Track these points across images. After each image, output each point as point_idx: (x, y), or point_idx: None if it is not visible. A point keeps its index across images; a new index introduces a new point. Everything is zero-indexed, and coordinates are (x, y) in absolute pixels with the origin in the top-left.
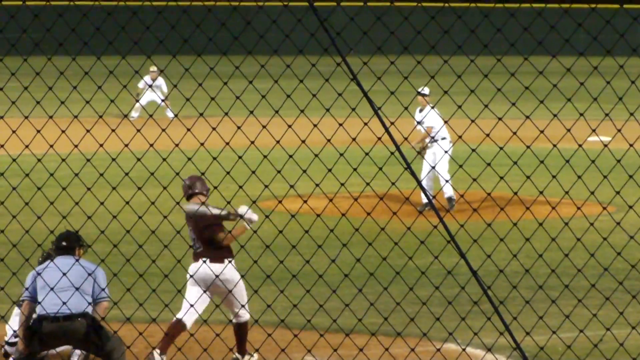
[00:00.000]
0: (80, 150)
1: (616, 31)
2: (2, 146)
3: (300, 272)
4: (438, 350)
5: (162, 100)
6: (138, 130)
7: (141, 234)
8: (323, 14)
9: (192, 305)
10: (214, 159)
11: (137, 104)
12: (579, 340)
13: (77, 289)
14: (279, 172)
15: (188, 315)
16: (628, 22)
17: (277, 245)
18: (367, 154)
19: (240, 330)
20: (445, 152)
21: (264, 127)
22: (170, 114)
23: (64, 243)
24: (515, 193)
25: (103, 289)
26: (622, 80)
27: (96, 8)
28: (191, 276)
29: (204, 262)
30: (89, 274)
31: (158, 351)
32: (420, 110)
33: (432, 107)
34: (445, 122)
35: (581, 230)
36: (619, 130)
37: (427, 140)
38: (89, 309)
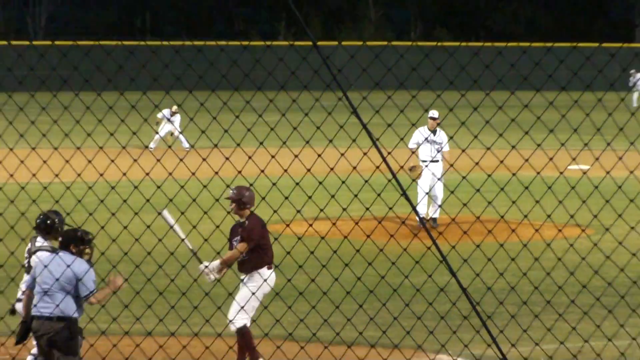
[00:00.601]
0: (106, 178)
1: (595, 67)
2: (34, 175)
3: (306, 290)
4: None
5: (180, 132)
6: (158, 160)
7: (160, 255)
8: (325, 52)
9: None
10: (227, 186)
11: (157, 136)
12: (560, 352)
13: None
14: (286, 198)
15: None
16: (606, 59)
17: (285, 265)
18: (366, 181)
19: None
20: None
21: (272, 157)
22: (186, 145)
23: (61, 238)
24: (502, 217)
25: (91, 290)
26: (600, 113)
27: (119, 47)
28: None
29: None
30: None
31: None
32: (434, 133)
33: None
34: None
35: (562, 250)
36: (597, 159)
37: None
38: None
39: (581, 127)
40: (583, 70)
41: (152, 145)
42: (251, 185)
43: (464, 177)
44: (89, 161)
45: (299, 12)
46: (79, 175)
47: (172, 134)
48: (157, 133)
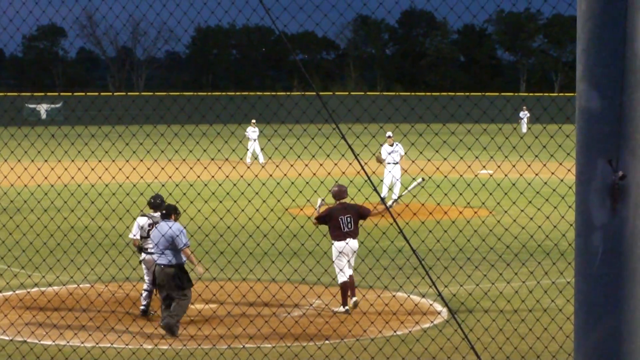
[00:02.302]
0: (216, 180)
1: (496, 107)
2: (170, 177)
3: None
4: (393, 296)
5: (261, 149)
6: (257, 175)
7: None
8: (324, 99)
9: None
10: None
11: (249, 152)
12: (476, 291)
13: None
14: (300, 192)
15: (342, 276)
16: (503, 103)
17: (301, 235)
18: (351, 181)
19: (351, 279)
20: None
21: (306, 165)
22: (261, 160)
23: (164, 212)
24: (438, 204)
25: (185, 242)
26: (500, 137)
27: (194, 97)
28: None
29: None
30: (178, 234)
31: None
32: (391, 145)
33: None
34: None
35: (476, 225)
36: (499, 167)
37: (393, 162)
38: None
39: (488, 145)
40: (490, 109)
41: (248, 160)
42: (307, 183)
43: (413, 179)
44: (205, 167)
45: (307, 75)
46: (199, 177)
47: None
48: (247, 150)
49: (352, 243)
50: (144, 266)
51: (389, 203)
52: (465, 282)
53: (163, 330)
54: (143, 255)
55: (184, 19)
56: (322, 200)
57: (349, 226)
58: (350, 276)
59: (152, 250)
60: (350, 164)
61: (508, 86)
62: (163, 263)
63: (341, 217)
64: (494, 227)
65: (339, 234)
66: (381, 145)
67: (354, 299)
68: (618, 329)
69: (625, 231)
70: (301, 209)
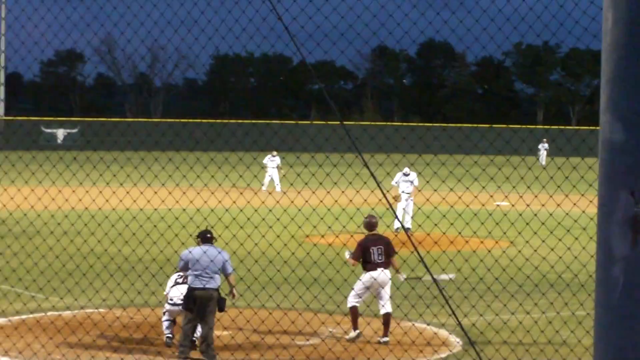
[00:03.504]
0: (224, 206)
1: (520, 138)
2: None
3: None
4: (413, 325)
5: (284, 176)
6: (278, 202)
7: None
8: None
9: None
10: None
11: (265, 180)
12: (496, 321)
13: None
14: (322, 218)
15: (353, 300)
16: (522, 136)
17: (320, 261)
18: (372, 208)
19: (386, 317)
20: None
21: (328, 192)
22: (278, 189)
23: (208, 235)
24: (460, 233)
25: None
26: (522, 168)
27: (212, 124)
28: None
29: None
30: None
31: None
32: (406, 175)
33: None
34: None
35: (497, 256)
36: (521, 197)
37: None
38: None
39: (511, 177)
40: (512, 141)
41: (263, 188)
42: (329, 210)
43: (435, 207)
44: (212, 193)
45: (331, 103)
46: (205, 202)
47: (271, 177)
48: (264, 179)
49: (383, 275)
50: (168, 316)
51: (407, 224)
52: (485, 312)
53: (183, 355)
54: (167, 306)
55: (202, 47)
56: (350, 253)
57: (380, 258)
58: (387, 313)
59: (198, 273)
60: (372, 191)
61: (525, 119)
62: (211, 287)
63: (372, 248)
64: (514, 257)
65: (370, 265)
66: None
67: (357, 331)
68: None
69: None
70: (322, 236)
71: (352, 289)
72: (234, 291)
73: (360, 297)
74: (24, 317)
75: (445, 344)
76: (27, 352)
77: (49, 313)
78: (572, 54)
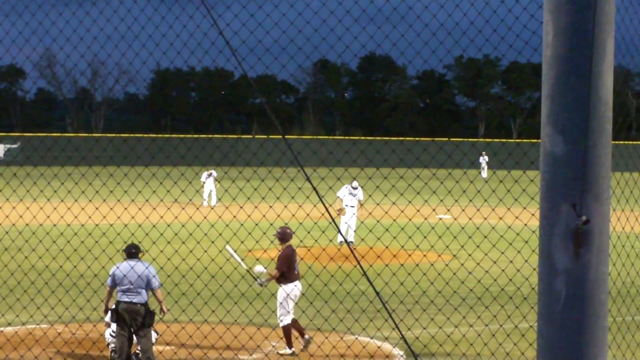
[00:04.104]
0: (165, 221)
1: (462, 151)
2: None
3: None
4: (356, 339)
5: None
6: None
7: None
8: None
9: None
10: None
11: (205, 195)
12: (439, 334)
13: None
14: (263, 233)
15: (287, 319)
16: (464, 149)
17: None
18: (315, 223)
19: (296, 323)
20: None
21: (270, 206)
22: (213, 202)
23: (133, 250)
24: (402, 247)
25: (160, 283)
26: (464, 182)
27: (153, 139)
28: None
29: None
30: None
31: (287, 348)
32: (354, 188)
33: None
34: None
35: (440, 269)
36: (463, 210)
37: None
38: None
39: (453, 190)
40: (454, 154)
41: (204, 203)
42: (256, 224)
43: (378, 221)
44: (168, 208)
45: (272, 117)
46: (161, 217)
47: (210, 191)
48: (203, 198)
49: (299, 285)
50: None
51: (350, 238)
52: (428, 325)
53: None
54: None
55: (143, 62)
56: (262, 268)
57: (298, 268)
58: (294, 319)
59: (125, 288)
60: (314, 205)
61: (466, 132)
62: (137, 301)
63: (294, 258)
64: (457, 270)
65: (292, 276)
66: (344, 186)
67: (307, 336)
68: None
69: (589, 276)
70: (265, 251)
71: (281, 305)
72: (163, 306)
73: (290, 312)
74: None
75: (388, 358)
76: None
77: None
78: (512, 68)
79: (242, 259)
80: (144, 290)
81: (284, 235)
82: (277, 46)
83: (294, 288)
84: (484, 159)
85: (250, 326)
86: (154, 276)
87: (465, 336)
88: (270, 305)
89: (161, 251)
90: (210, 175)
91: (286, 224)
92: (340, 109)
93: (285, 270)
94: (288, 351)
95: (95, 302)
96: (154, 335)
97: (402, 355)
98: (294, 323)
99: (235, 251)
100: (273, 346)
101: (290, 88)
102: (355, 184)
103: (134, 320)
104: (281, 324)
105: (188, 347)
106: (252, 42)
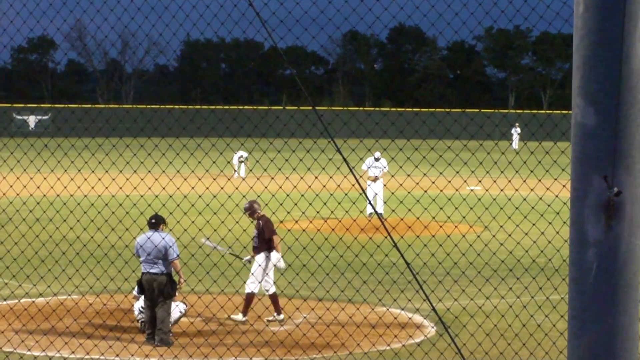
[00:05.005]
0: (196, 192)
1: (493, 123)
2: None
3: (308, 263)
4: (387, 310)
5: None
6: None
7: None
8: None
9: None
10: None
11: (236, 166)
12: (470, 305)
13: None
14: (295, 204)
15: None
16: (494, 120)
17: (295, 248)
18: (346, 194)
19: (274, 297)
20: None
21: (301, 177)
22: (243, 173)
23: (152, 221)
24: (433, 218)
25: (177, 254)
26: (496, 153)
27: (185, 110)
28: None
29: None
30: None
31: (240, 314)
32: (376, 159)
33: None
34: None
35: (471, 241)
36: (495, 181)
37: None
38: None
39: (484, 161)
40: (485, 126)
41: (235, 175)
42: (288, 195)
43: (409, 192)
44: (199, 179)
45: (303, 88)
46: (192, 188)
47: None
48: (235, 171)
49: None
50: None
51: (380, 210)
52: (459, 296)
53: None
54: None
55: (173, 33)
56: (207, 239)
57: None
58: (275, 293)
59: (143, 259)
60: (345, 176)
61: (497, 103)
62: (155, 272)
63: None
64: (488, 242)
65: (275, 245)
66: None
67: (281, 316)
68: (611, 345)
69: (620, 247)
70: (296, 222)
71: (265, 274)
72: (181, 277)
73: (265, 283)
74: None
75: (419, 329)
76: (0, 339)
77: (22, 300)
78: (543, 38)
79: (218, 244)
80: (161, 261)
81: (251, 209)
82: (307, 17)
83: (280, 259)
84: (515, 130)
85: (281, 297)
86: (170, 247)
87: (496, 308)
88: (302, 276)
89: (192, 222)
90: (241, 158)
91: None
92: (369, 80)
93: (273, 236)
94: (241, 317)
95: (126, 273)
96: (183, 306)
97: (432, 327)
98: (255, 296)
99: (208, 239)
100: (304, 317)
101: (320, 59)
102: (377, 154)
103: (155, 290)
104: (247, 291)
105: (219, 319)
106: (282, 13)
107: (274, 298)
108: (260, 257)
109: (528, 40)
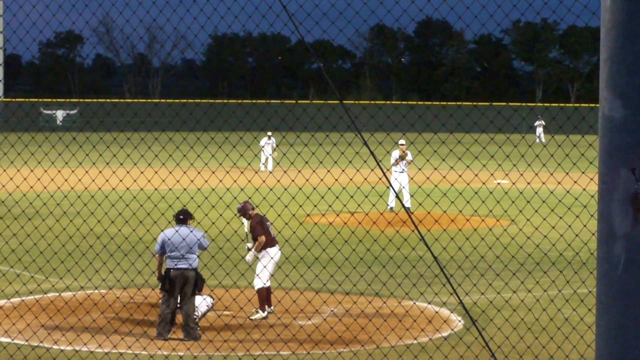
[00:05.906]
0: (224, 186)
1: (520, 116)
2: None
3: (334, 257)
4: (414, 304)
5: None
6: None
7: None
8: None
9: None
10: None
11: (263, 159)
12: (497, 299)
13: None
14: (322, 197)
15: (263, 282)
16: (518, 114)
17: (323, 241)
18: (372, 187)
19: (269, 291)
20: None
21: (328, 171)
22: (270, 167)
23: (180, 217)
24: (460, 211)
25: (205, 247)
26: (522, 146)
27: (212, 104)
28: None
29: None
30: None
31: (258, 309)
32: (403, 152)
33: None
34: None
35: (497, 234)
36: (521, 175)
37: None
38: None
39: (511, 155)
40: (512, 119)
41: (262, 168)
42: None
43: (435, 186)
44: (214, 173)
45: (330, 82)
46: (220, 181)
47: (267, 157)
48: (262, 164)
49: (279, 252)
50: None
51: (406, 203)
52: (486, 290)
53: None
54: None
55: (201, 27)
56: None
57: (273, 234)
58: (269, 287)
59: (172, 255)
60: (372, 170)
61: (524, 97)
62: (185, 267)
63: (268, 224)
64: (515, 235)
65: (270, 241)
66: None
67: (272, 308)
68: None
69: None
70: (323, 215)
71: (264, 268)
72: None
73: (265, 276)
74: (23, 297)
75: (446, 323)
76: (26, 332)
77: (49, 293)
78: (570, 32)
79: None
80: (191, 255)
81: (243, 210)
82: (334, 10)
83: (278, 252)
84: (540, 124)
85: (308, 291)
86: (199, 239)
87: (523, 302)
88: (329, 270)
89: (220, 215)
90: (270, 138)
91: (250, 198)
92: (396, 74)
93: (259, 237)
94: (262, 315)
95: (153, 267)
96: (210, 300)
97: (460, 321)
98: (268, 290)
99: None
100: (332, 311)
101: (347, 53)
102: (402, 141)
103: (181, 286)
104: (256, 287)
105: (246, 312)
106: (309, 7)
107: (264, 293)
108: (262, 254)
109: (555, 34)
